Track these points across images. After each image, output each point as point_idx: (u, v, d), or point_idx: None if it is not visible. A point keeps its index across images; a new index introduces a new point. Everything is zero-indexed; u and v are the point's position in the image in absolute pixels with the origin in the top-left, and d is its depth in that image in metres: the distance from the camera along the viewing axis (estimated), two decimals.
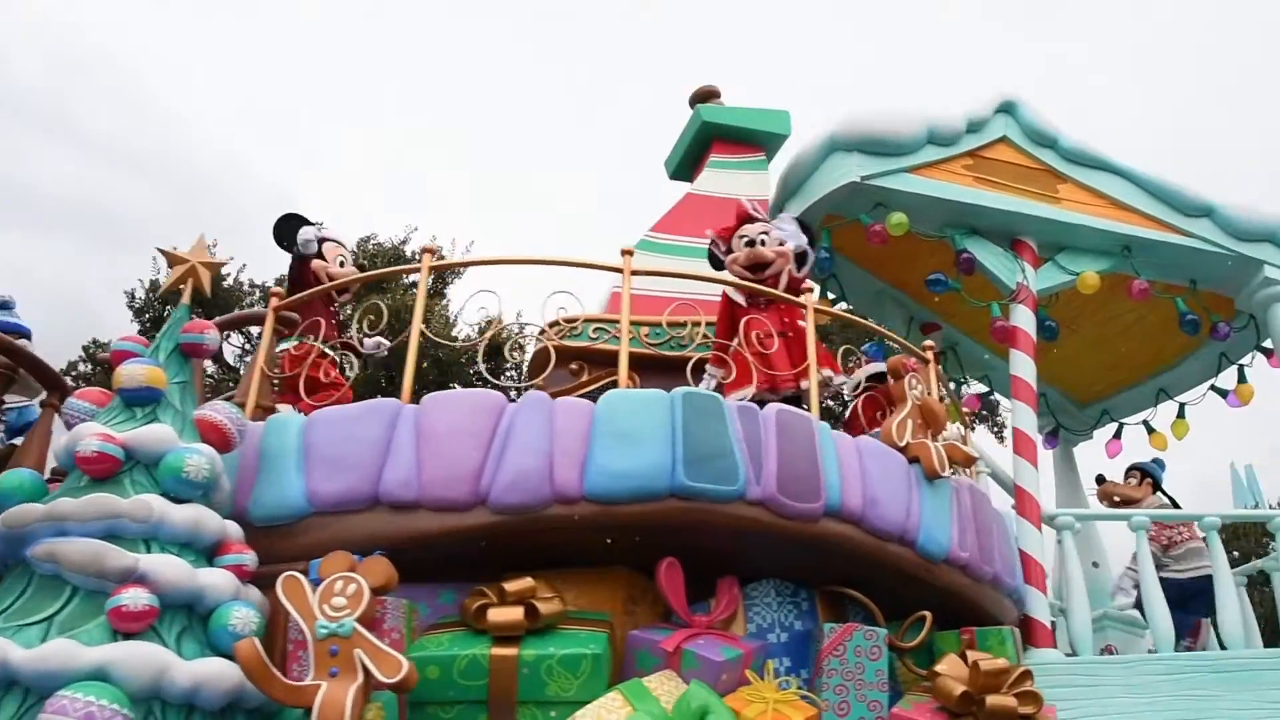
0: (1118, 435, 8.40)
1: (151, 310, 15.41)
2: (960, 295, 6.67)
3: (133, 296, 16.01)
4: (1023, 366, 6.37)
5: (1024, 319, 6.48)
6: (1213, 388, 7.76)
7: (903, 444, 5.02)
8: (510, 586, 4.21)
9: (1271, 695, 5.53)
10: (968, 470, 5.57)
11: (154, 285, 15.44)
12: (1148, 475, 7.77)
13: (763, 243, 5.74)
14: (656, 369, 5.67)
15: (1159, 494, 7.69)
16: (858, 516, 4.65)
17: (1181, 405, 7.94)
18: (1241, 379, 7.52)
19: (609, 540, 4.49)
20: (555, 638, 4.19)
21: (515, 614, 4.13)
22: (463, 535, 4.35)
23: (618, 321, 5.72)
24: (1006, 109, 6.87)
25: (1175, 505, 7.54)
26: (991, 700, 4.47)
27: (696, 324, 5.55)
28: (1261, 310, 6.83)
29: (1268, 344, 7.12)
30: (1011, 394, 6.34)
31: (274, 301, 5.22)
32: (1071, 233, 6.71)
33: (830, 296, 7.31)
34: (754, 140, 6.91)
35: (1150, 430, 8.04)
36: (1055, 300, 6.87)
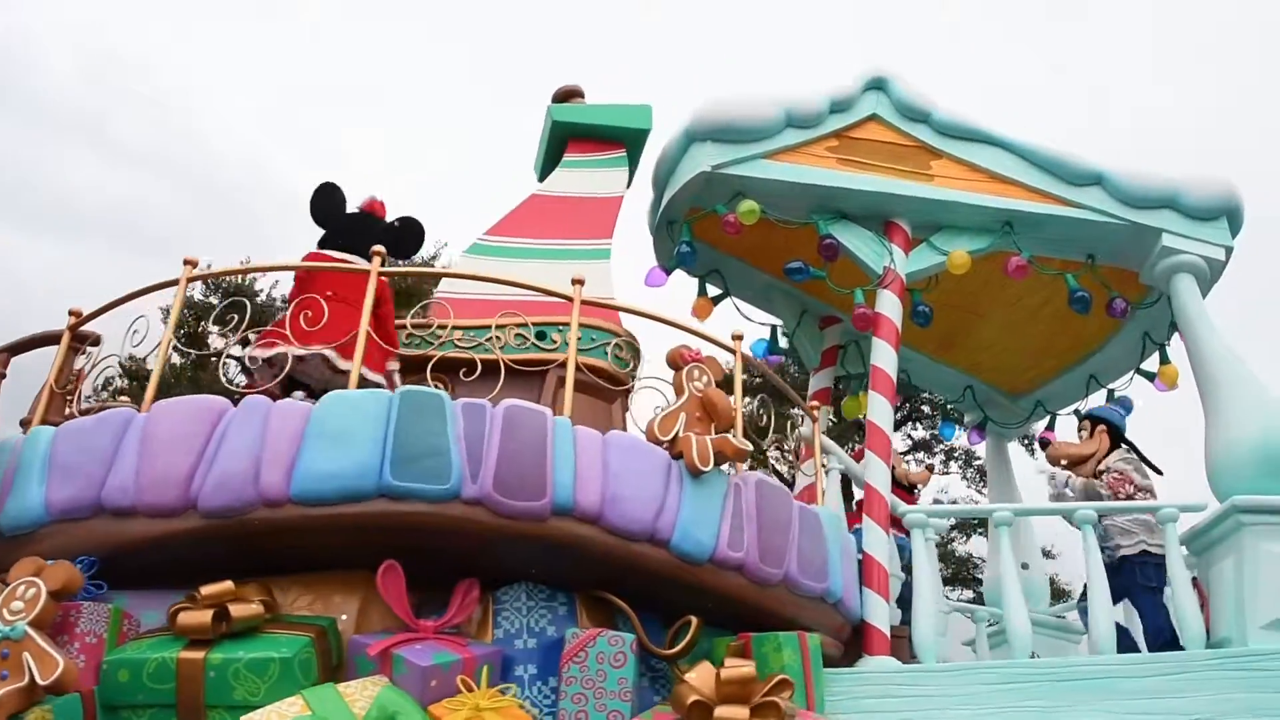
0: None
1: (185, 326, 15.99)
2: (825, 283, 6.34)
3: (166, 313, 16.71)
4: (883, 356, 5.99)
5: (889, 305, 6.09)
6: (1138, 371, 7.11)
7: (669, 438, 4.77)
8: (206, 590, 4.18)
9: (1121, 705, 4.99)
10: (765, 464, 5.24)
11: (188, 302, 16.16)
12: (1101, 423, 6.67)
13: None
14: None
15: (1122, 448, 6.58)
16: (594, 515, 4.45)
17: (1110, 392, 7.31)
18: (1164, 360, 6.87)
19: (338, 543, 4.44)
20: (250, 642, 4.14)
21: (203, 617, 4.09)
22: (176, 540, 4.35)
23: (428, 327, 5.73)
24: (877, 85, 6.51)
25: (1144, 459, 6.54)
26: (720, 712, 4.18)
27: (503, 326, 5.51)
28: (1165, 282, 6.23)
29: None
30: (870, 385, 5.96)
31: (70, 320, 5.35)
32: (946, 211, 6.28)
33: (714, 293, 7.04)
34: (613, 137, 6.72)
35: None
36: (934, 283, 6.44)
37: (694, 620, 4.64)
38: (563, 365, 5.52)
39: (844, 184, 6.22)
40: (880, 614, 5.39)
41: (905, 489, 7.22)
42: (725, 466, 4.87)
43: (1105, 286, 6.38)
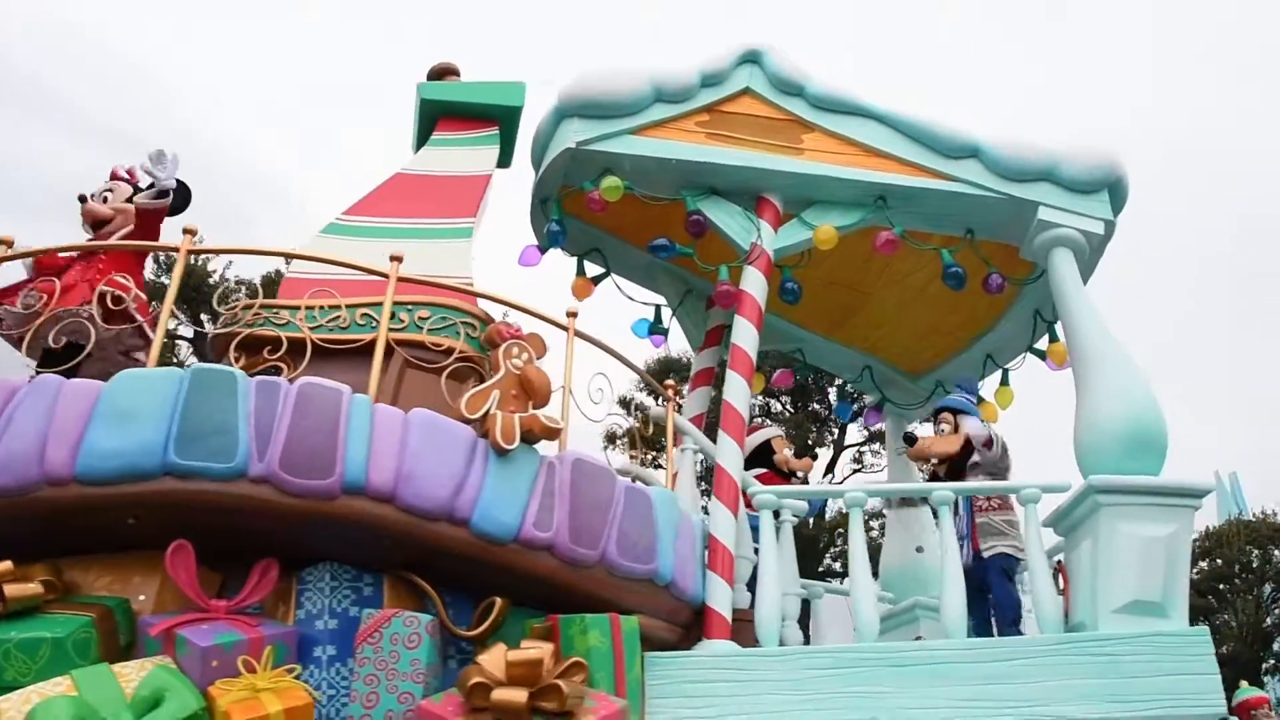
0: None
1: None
2: (693, 260, 6.21)
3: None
4: (744, 334, 5.83)
5: (753, 282, 5.94)
6: (1031, 350, 6.91)
7: (478, 416, 4.67)
8: None
9: (956, 692, 4.85)
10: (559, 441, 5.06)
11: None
12: (960, 415, 6.61)
13: (104, 200, 5.68)
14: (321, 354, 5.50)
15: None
16: (388, 493, 4.37)
17: (1005, 371, 7.11)
18: (1053, 338, 6.66)
19: (132, 521, 4.39)
20: (25, 622, 4.10)
21: None
22: None
23: (277, 308, 5.65)
24: (752, 59, 6.36)
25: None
26: (497, 695, 4.09)
27: (352, 306, 5.43)
28: (1043, 257, 6.03)
29: None
30: (730, 364, 5.81)
31: None
32: (817, 185, 6.12)
33: (593, 273, 6.90)
34: (485, 115, 6.62)
35: (979, 400, 7.22)
36: (806, 259, 6.29)
37: (497, 602, 4.55)
38: (410, 345, 5.47)
39: (713, 159, 6.08)
40: (722, 597, 5.25)
41: (784, 476, 7.06)
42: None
43: (985, 262, 6.19)
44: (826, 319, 7.53)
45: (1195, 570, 29.12)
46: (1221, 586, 27.60)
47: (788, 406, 21.28)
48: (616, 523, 4.84)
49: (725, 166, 6.09)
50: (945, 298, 6.84)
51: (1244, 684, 12.45)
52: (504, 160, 6.78)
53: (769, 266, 5.99)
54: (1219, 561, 27.99)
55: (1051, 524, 5.59)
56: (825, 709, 4.82)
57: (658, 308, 7.12)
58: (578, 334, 5.29)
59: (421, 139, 6.72)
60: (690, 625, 5.29)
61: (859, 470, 23.80)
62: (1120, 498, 5.21)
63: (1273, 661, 26.29)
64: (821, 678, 4.89)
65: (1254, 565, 27.52)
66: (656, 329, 6.96)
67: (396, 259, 5.00)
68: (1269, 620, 26.73)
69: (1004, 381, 7.10)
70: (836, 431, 21.64)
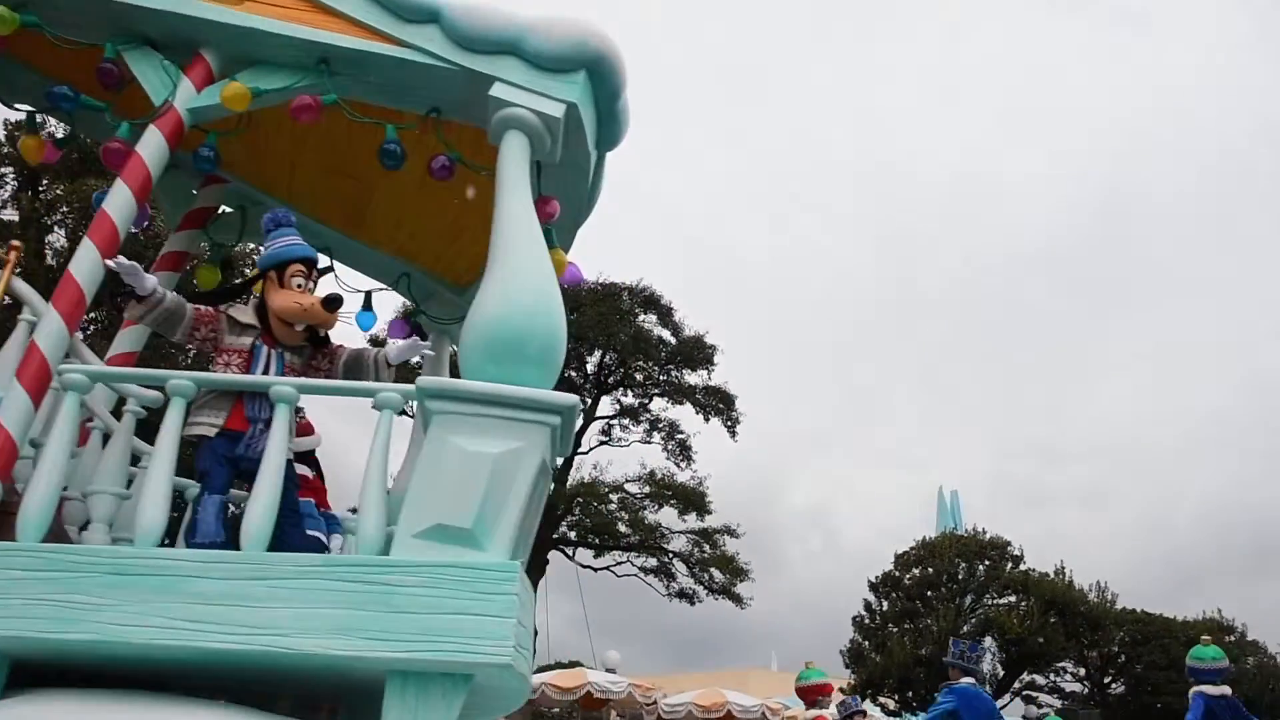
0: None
1: None
2: (104, 116, 5.42)
3: None
4: (117, 200, 4.98)
5: (150, 144, 5.11)
6: None
7: None
8: None
9: (185, 610, 3.99)
10: None
11: None
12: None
13: None
14: None
15: None
16: None
17: None
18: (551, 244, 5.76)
19: None
20: None
21: None
22: None
23: None
24: None
25: None
26: None
27: None
28: (497, 141, 5.16)
29: None
30: (89, 231, 4.95)
31: None
32: (255, 42, 5.27)
33: (58, 133, 6.07)
34: None
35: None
36: (243, 124, 5.51)
37: None
38: None
39: (137, 2, 5.28)
40: None
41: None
42: None
43: (446, 145, 5.35)
44: (342, 214, 6.64)
45: (908, 576, 29.20)
46: (929, 593, 29.02)
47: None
48: None
49: (153, 12, 5.26)
50: (452, 194, 5.97)
51: (810, 665, 11.54)
52: None
53: (177, 128, 5.17)
54: (930, 570, 29.52)
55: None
56: (9, 616, 4.00)
57: None
58: None
59: None
60: None
61: (606, 443, 23.12)
62: (450, 404, 4.35)
63: None
64: (20, 581, 4.06)
65: (960, 576, 29.22)
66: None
67: None
68: (966, 627, 28.05)
69: None
70: (589, 401, 20.71)
